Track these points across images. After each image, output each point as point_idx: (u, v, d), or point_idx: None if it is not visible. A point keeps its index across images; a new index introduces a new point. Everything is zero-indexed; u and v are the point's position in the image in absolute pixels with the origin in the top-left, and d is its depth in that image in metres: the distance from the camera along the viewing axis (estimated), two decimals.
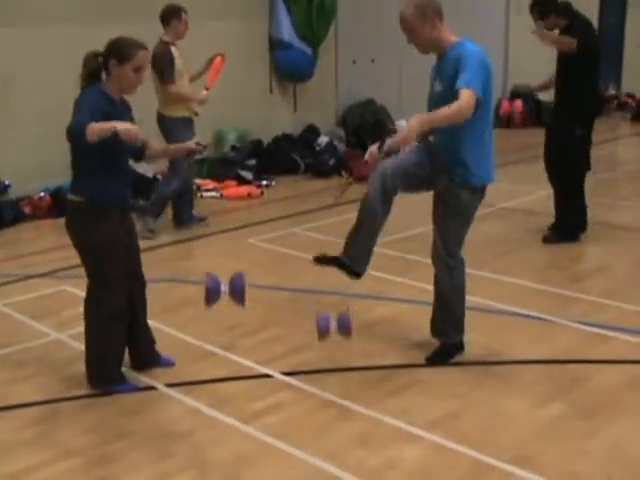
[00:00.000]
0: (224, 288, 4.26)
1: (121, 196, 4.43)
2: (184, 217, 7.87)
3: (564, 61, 7.00)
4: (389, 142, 4.54)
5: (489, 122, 4.64)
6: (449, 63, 4.51)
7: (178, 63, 7.48)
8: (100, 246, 4.33)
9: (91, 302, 4.48)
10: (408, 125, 4.27)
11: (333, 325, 4.39)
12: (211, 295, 4.26)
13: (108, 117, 4.02)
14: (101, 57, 4.27)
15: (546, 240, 7.29)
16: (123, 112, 4.33)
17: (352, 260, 4.76)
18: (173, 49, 7.50)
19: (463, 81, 4.36)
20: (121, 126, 3.89)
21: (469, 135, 4.53)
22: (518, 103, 13.72)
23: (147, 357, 4.76)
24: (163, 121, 7.56)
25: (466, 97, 4.31)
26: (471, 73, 4.37)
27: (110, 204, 4.33)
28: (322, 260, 4.89)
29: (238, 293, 4.27)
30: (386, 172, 4.65)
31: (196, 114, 7.64)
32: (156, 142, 4.77)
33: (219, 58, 7.66)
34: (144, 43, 4.31)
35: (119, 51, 4.20)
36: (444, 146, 4.63)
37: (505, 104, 13.78)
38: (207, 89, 7.57)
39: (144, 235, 7.11)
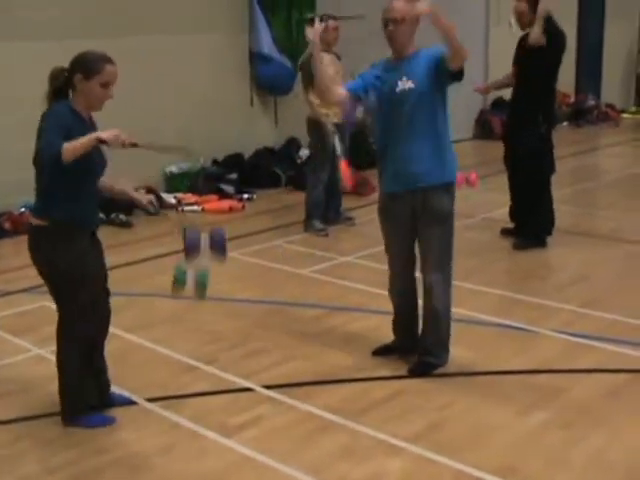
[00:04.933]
0: (204, 241, 4.18)
1: (89, 217, 4.22)
2: (330, 215, 8.32)
3: (528, 60, 7.12)
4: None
5: (447, 122, 4.74)
6: (419, 61, 4.64)
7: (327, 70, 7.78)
8: (69, 273, 4.09)
9: (63, 333, 4.24)
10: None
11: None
12: (191, 248, 4.16)
13: (72, 134, 3.84)
14: (67, 72, 4.07)
15: (516, 247, 7.37)
16: (93, 129, 4.12)
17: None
18: (322, 55, 7.77)
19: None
20: (105, 134, 3.77)
21: (435, 136, 4.66)
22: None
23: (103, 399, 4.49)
24: (308, 122, 8.11)
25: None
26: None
27: (77, 226, 4.11)
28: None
29: (219, 245, 4.20)
30: (403, 278, 4.95)
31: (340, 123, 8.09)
32: (120, 182, 4.46)
33: (343, 164, 7.83)
34: (110, 57, 4.11)
35: (85, 66, 4.02)
36: (416, 153, 4.65)
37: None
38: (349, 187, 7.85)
39: (318, 235, 7.98)
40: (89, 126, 4.12)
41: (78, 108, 4.08)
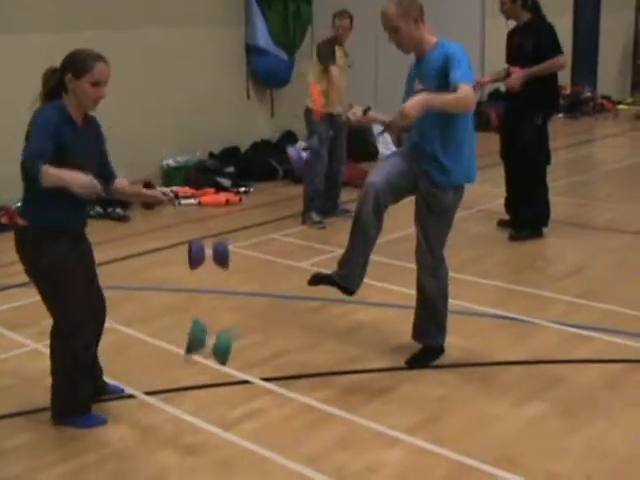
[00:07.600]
0: (208, 252, 4.13)
1: (73, 220, 4.14)
2: (327, 207, 8.33)
3: (524, 52, 7.12)
4: (392, 120, 4.51)
5: (468, 121, 4.62)
6: (431, 62, 4.53)
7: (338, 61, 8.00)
8: (51, 274, 4.02)
9: (55, 335, 4.19)
10: (409, 104, 4.25)
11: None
12: (195, 259, 4.13)
13: (62, 137, 3.83)
14: (59, 72, 3.99)
15: (512, 238, 7.39)
16: (88, 133, 4.09)
17: (344, 278, 4.77)
18: (336, 48, 8.01)
19: (459, 77, 4.34)
20: (75, 182, 3.68)
21: (447, 135, 4.56)
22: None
23: (97, 387, 4.48)
24: (306, 113, 8.15)
25: (466, 90, 4.31)
26: (465, 69, 4.39)
27: (60, 229, 4.03)
28: (316, 279, 4.93)
29: (221, 257, 4.14)
30: (377, 188, 4.63)
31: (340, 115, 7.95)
32: (126, 183, 4.45)
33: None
34: (102, 55, 4.01)
35: (75, 65, 3.91)
36: (422, 148, 4.63)
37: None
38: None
39: (317, 227, 8.03)
40: (81, 128, 4.04)
41: (71, 109, 3.99)
